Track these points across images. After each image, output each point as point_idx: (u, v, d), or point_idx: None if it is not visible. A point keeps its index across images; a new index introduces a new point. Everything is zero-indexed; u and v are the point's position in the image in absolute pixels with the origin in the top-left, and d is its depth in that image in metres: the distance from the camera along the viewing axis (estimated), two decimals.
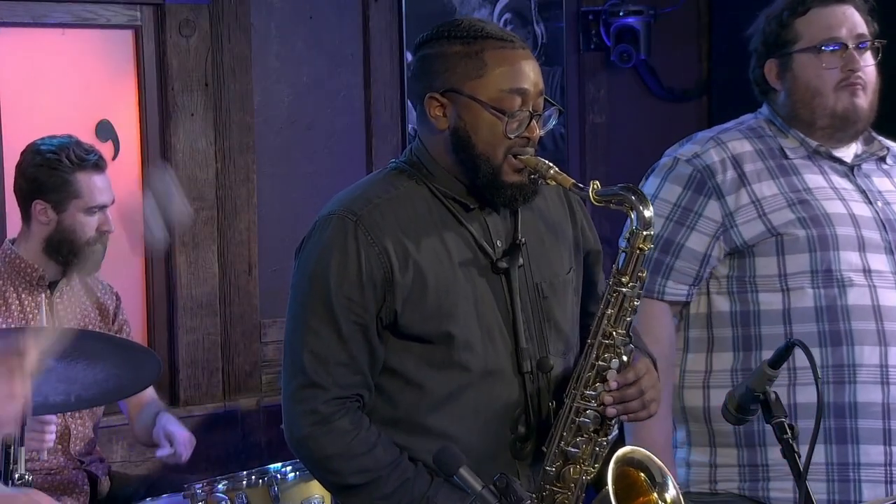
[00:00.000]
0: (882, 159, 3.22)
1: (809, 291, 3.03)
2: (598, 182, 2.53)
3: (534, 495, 2.54)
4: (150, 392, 4.07)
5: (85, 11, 4.63)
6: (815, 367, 2.60)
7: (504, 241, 2.61)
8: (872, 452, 3.03)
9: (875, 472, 3.03)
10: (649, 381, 2.56)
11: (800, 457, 2.42)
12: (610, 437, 2.57)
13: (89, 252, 3.89)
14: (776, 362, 2.48)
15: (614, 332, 2.53)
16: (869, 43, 3.13)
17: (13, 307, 3.84)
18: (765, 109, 3.24)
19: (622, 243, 2.55)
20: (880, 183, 3.19)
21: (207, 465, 4.65)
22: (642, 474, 2.53)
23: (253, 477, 3.48)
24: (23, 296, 3.87)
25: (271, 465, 3.53)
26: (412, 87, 2.62)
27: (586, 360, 2.55)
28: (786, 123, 3.18)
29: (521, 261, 2.60)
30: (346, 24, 5.09)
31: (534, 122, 2.54)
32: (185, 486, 3.51)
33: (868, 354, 3.02)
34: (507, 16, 5.43)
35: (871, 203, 3.13)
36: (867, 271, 3.05)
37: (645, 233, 2.50)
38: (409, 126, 5.19)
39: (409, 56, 5.18)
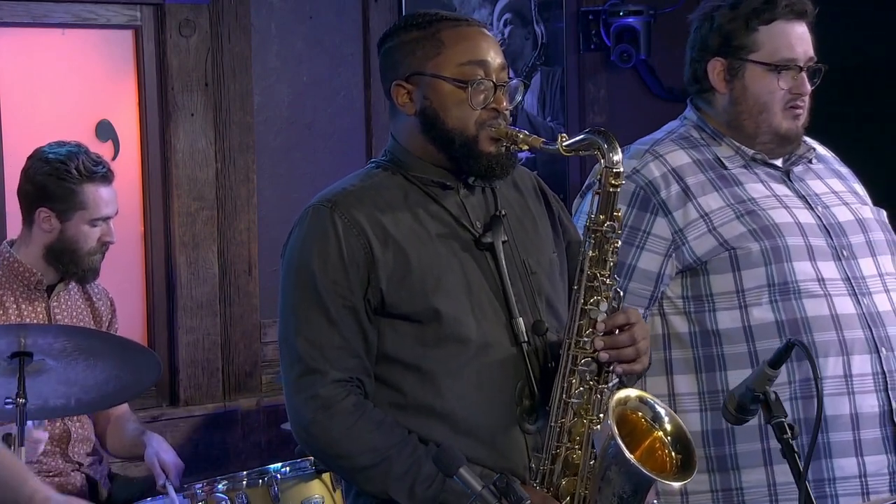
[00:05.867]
0: (809, 161, 3.17)
1: (768, 306, 2.97)
2: (565, 135, 2.57)
3: (544, 457, 2.55)
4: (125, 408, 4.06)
5: (85, 11, 4.63)
6: (815, 366, 2.60)
7: (483, 221, 2.64)
8: (846, 465, 2.97)
9: (850, 484, 2.98)
10: (641, 331, 2.57)
11: (800, 457, 2.41)
12: (610, 385, 2.56)
13: (90, 262, 3.88)
14: (776, 362, 2.48)
15: (598, 274, 2.54)
16: (814, 66, 3.07)
17: (10, 311, 3.83)
18: (691, 115, 3.16)
19: (594, 185, 2.58)
20: (815, 185, 3.13)
21: (207, 465, 4.65)
22: (640, 414, 2.54)
23: (253, 477, 3.48)
24: (20, 300, 3.86)
25: (271, 465, 3.54)
26: (383, 86, 2.69)
27: (575, 306, 2.55)
28: (719, 130, 3.10)
29: (504, 236, 2.63)
30: (346, 24, 5.09)
31: (500, 92, 2.59)
32: (185, 486, 3.52)
33: (832, 366, 2.96)
34: (508, 16, 5.43)
35: (812, 208, 3.07)
36: (821, 280, 2.99)
37: (615, 170, 2.52)
38: None
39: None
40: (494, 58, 2.60)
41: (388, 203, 2.60)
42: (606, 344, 2.53)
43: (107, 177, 3.87)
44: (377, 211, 2.58)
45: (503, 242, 2.62)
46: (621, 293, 2.59)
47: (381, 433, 2.54)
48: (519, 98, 2.70)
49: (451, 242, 2.60)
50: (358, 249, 2.56)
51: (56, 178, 3.82)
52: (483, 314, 2.59)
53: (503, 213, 2.64)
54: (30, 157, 3.92)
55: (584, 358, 2.54)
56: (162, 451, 3.88)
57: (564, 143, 2.55)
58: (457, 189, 2.64)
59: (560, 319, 2.67)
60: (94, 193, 3.84)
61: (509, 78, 2.64)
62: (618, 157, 2.51)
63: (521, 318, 2.60)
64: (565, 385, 2.55)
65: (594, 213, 2.54)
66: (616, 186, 2.52)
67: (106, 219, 3.88)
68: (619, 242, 2.55)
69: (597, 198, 2.55)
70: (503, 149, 2.59)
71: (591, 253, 2.54)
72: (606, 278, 2.54)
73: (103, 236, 3.89)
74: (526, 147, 2.58)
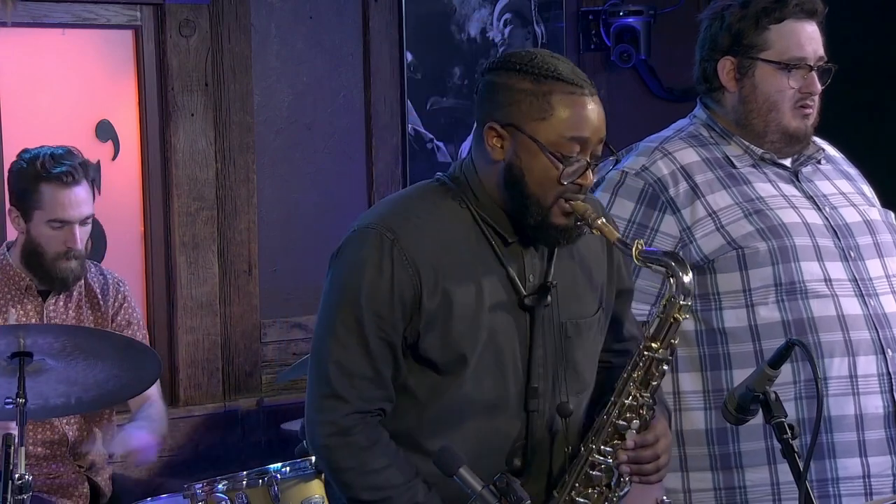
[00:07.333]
0: (818, 161, 3.17)
1: (774, 306, 2.97)
2: (642, 241, 2.53)
3: None
4: (152, 391, 4.00)
5: (85, 11, 4.63)
6: (815, 366, 2.59)
7: (536, 276, 2.59)
8: (850, 465, 2.97)
9: (854, 485, 2.98)
10: (665, 445, 2.57)
11: (800, 457, 2.41)
12: (622, 493, 2.56)
13: (58, 269, 3.82)
14: (776, 362, 2.48)
15: (638, 395, 2.53)
16: (824, 66, 3.08)
17: None
18: (701, 113, 3.17)
19: (657, 308, 2.56)
20: (823, 186, 3.13)
21: (207, 465, 4.65)
22: None
23: (253, 477, 3.47)
24: (11, 303, 3.84)
25: (271, 465, 3.52)
26: (475, 113, 2.60)
27: (608, 417, 2.54)
28: (728, 129, 3.11)
29: (548, 300, 2.58)
30: (346, 24, 5.09)
31: (589, 170, 2.52)
32: (185, 486, 3.51)
33: (837, 366, 2.96)
34: (508, 16, 5.43)
35: (819, 209, 3.07)
36: (828, 280, 2.99)
37: (682, 302, 2.49)
38: (409, 126, 5.19)
39: (409, 56, 5.18)
40: (597, 132, 2.52)
41: (448, 244, 2.54)
42: (630, 458, 2.52)
43: (62, 178, 3.77)
44: (436, 252, 2.53)
45: (545, 307, 2.58)
46: (654, 410, 2.57)
47: (387, 473, 2.53)
48: (605, 172, 2.63)
49: (497, 299, 2.55)
50: (408, 288, 2.51)
51: (18, 177, 3.81)
52: (503, 375, 2.56)
53: (554, 283, 2.59)
54: None
55: (601, 464, 2.54)
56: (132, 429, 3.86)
57: (640, 253, 2.50)
58: (518, 242, 2.58)
59: (583, 382, 2.65)
60: (50, 193, 3.77)
61: (606, 147, 2.56)
62: (688, 280, 2.49)
63: (537, 386, 2.58)
64: (576, 484, 2.55)
65: (650, 334, 2.53)
66: (679, 320, 2.50)
67: (66, 222, 3.79)
68: (666, 367, 2.54)
69: (657, 321, 2.53)
70: (573, 223, 2.53)
71: (635, 373, 2.53)
72: (647, 399, 2.53)
73: (66, 241, 3.79)
74: (598, 234, 2.52)
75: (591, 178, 2.53)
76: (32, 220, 3.80)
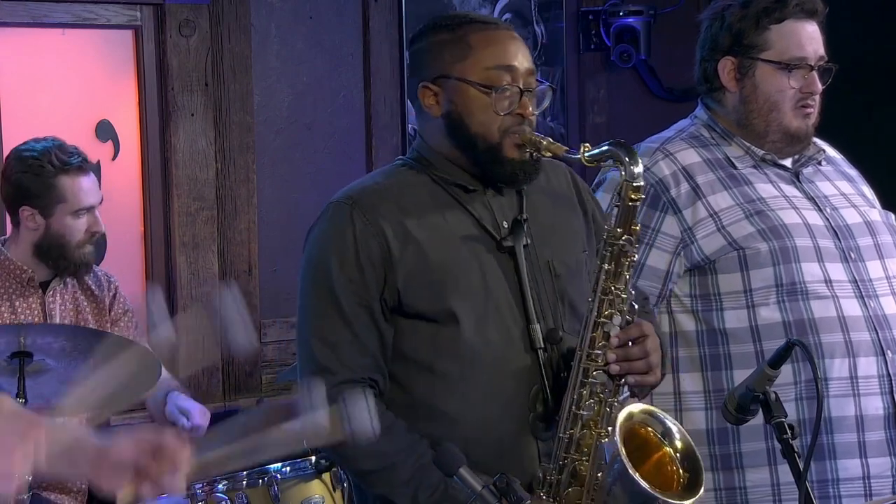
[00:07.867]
0: (819, 162, 3.18)
1: (775, 306, 2.97)
2: (587, 144, 2.57)
3: (552, 467, 2.55)
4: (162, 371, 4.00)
5: (85, 11, 4.63)
6: (815, 366, 2.59)
7: (510, 222, 2.63)
8: (850, 466, 2.97)
9: (854, 486, 2.98)
10: (653, 343, 2.57)
11: (800, 458, 2.41)
12: (620, 398, 2.56)
13: (80, 255, 3.86)
14: (776, 362, 2.48)
15: (613, 288, 2.53)
16: (824, 66, 3.08)
17: (3, 308, 3.82)
18: (702, 114, 3.18)
19: (614, 199, 2.58)
20: (824, 187, 3.14)
21: None
22: (650, 429, 2.53)
23: (253, 477, 3.48)
24: (13, 296, 3.85)
25: (271, 465, 3.53)
26: (408, 85, 2.67)
27: (588, 318, 2.55)
28: (729, 130, 3.12)
29: (525, 240, 2.61)
30: (346, 24, 5.09)
31: (525, 98, 2.57)
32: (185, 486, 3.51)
33: (838, 367, 2.96)
34: (508, 16, 5.43)
35: (820, 210, 3.08)
36: (828, 282, 2.99)
37: (634, 184, 2.51)
38: (409, 126, 5.19)
39: (409, 56, 5.18)
40: (522, 62, 2.59)
41: (412, 203, 2.60)
42: (618, 357, 2.53)
43: (82, 167, 3.83)
44: (399, 210, 2.58)
45: (524, 246, 2.61)
46: (636, 306, 2.58)
47: (387, 439, 2.51)
48: (546, 103, 2.69)
49: (474, 245, 2.59)
50: (375, 249, 2.55)
51: (32, 175, 3.80)
52: (500, 318, 2.58)
53: (525, 217, 2.63)
54: (7, 158, 3.91)
55: (595, 370, 2.54)
56: (181, 400, 3.86)
57: (587, 154, 2.54)
58: (483, 190, 2.63)
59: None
60: (71, 185, 3.80)
61: (538, 82, 2.63)
62: (639, 169, 2.52)
63: (538, 324, 2.59)
64: (575, 396, 2.54)
65: (612, 225, 2.54)
66: (636, 200, 2.52)
67: (89, 209, 3.84)
68: (636, 256, 2.55)
69: (615, 210, 2.54)
70: (527, 155, 2.58)
71: (606, 266, 2.54)
72: (622, 291, 2.53)
73: (90, 227, 3.85)
74: (549, 154, 2.57)
75: (530, 107, 2.58)
76: (54, 214, 3.82)
